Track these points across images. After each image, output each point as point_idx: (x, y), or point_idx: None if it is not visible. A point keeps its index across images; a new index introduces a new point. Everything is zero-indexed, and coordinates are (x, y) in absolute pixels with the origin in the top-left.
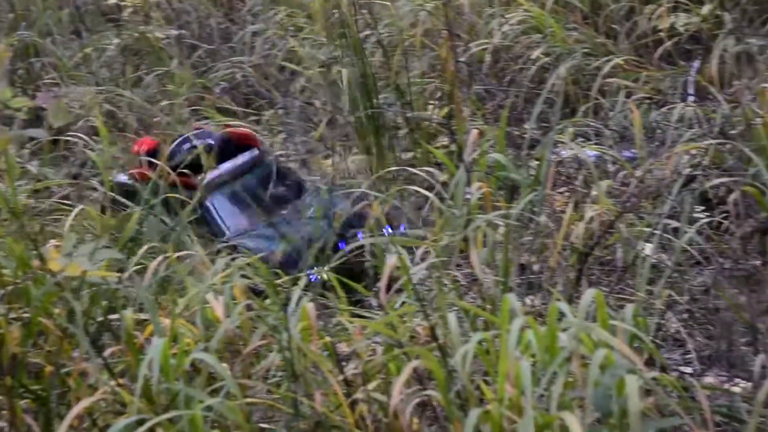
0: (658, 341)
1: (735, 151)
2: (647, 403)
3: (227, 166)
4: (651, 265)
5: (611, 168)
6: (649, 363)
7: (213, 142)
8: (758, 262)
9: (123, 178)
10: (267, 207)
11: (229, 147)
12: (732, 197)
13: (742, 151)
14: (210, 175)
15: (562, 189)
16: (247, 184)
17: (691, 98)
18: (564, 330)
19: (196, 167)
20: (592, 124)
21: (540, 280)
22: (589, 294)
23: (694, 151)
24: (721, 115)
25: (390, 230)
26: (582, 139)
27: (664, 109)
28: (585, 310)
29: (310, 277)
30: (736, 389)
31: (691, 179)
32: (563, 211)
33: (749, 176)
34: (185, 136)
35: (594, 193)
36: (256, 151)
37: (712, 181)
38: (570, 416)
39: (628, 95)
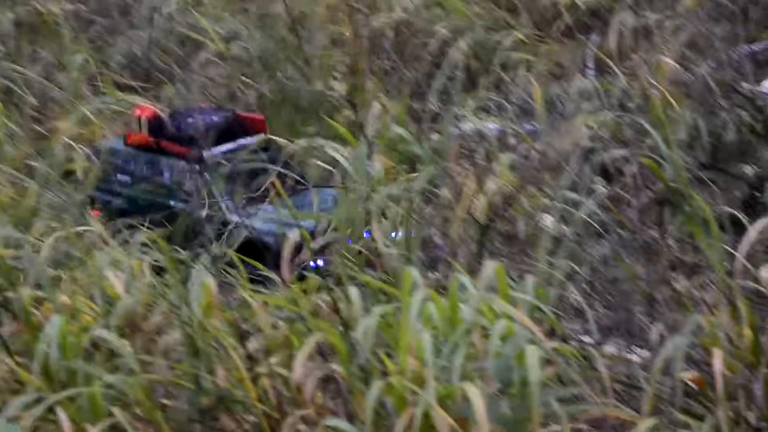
0: (558, 312)
1: (633, 123)
2: (548, 372)
3: (230, 145)
4: (552, 237)
5: (513, 141)
6: (550, 333)
7: (218, 120)
8: (655, 233)
9: (113, 143)
10: (265, 192)
11: (235, 128)
12: (629, 169)
13: (640, 123)
14: (215, 151)
15: (464, 162)
16: (247, 167)
17: (590, 72)
18: (465, 302)
19: (194, 141)
20: (493, 98)
21: (442, 253)
22: (489, 266)
23: (593, 124)
24: (619, 88)
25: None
26: (484, 113)
27: (564, 83)
28: (486, 282)
29: (312, 264)
30: (635, 358)
31: (590, 152)
32: (465, 185)
33: (646, 148)
34: (188, 109)
35: (495, 166)
36: (262, 136)
37: (611, 153)
38: (471, 387)
39: (529, 69)
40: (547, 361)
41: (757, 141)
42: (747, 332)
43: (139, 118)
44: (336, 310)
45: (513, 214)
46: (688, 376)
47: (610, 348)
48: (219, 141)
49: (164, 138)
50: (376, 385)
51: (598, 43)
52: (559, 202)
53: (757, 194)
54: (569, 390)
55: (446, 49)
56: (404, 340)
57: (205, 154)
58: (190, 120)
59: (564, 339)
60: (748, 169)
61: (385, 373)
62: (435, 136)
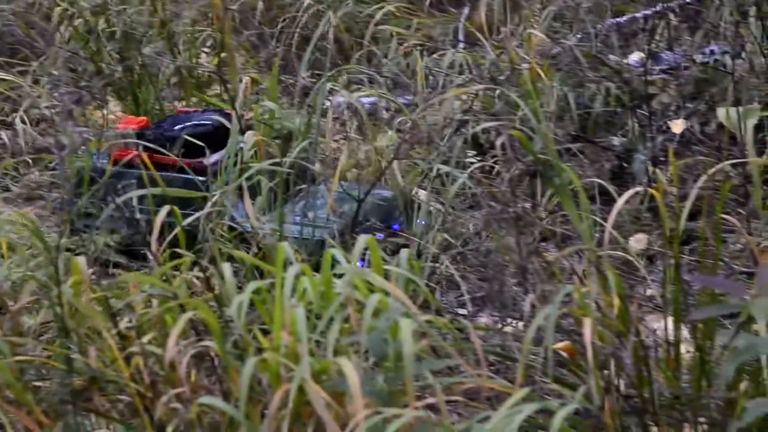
0: (432, 284)
1: (503, 96)
2: (422, 345)
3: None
4: (426, 210)
5: (386, 115)
6: (424, 306)
7: (211, 123)
8: (526, 205)
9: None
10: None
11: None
12: (500, 141)
13: (510, 96)
14: (213, 158)
15: (337, 136)
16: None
17: (461, 45)
18: (339, 276)
19: (190, 150)
20: (365, 71)
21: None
22: (362, 240)
23: (464, 97)
24: (489, 61)
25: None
26: (356, 86)
27: (435, 56)
28: (359, 256)
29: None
30: (508, 329)
31: (462, 124)
32: (338, 158)
33: (517, 120)
34: (175, 114)
35: (369, 138)
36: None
37: (482, 125)
38: (345, 361)
39: (401, 42)
40: (421, 334)
41: (624, 112)
42: (616, 301)
43: (124, 132)
44: (210, 288)
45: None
46: (561, 345)
47: (484, 319)
48: (218, 147)
49: (152, 151)
50: (250, 362)
51: (467, 16)
52: (432, 175)
53: (625, 165)
54: (443, 362)
55: (317, 23)
56: (278, 315)
57: (205, 163)
58: (177, 127)
59: (438, 311)
60: (616, 140)
61: (260, 350)
62: (307, 111)
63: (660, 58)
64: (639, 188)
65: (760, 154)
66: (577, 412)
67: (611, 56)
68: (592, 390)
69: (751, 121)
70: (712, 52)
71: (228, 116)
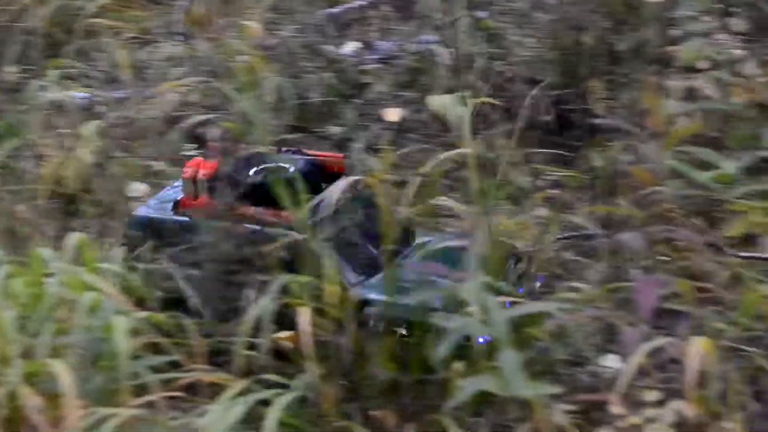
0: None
1: (220, 88)
2: (139, 342)
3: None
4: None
5: (100, 109)
6: (140, 303)
7: (294, 168)
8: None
9: (146, 210)
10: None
11: (316, 174)
12: (212, 133)
13: (225, 88)
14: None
15: (49, 133)
16: (352, 222)
17: (178, 38)
18: (52, 276)
19: (265, 196)
20: (78, 66)
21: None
22: (72, 238)
23: (181, 90)
24: (206, 53)
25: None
26: (70, 81)
27: (151, 49)
28: (71, 254)
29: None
30: (233, 324)
31: (179, 118)
32: (50, 156)
33: (237, 112)
34: (250, 155)
35: (83, 134)
36: (348, 180)
37: (197, 118)
38: (57, 362)
39: (116, 35)
40: (138, 332)
41: (341, 102)
42: (334, 289)
43: (194, 178)
44: None
45: (101, 183)
46: (285, 335)
47: (207, 314)
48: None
49: (225, 199)
50: None
51: (186, 8)
52: (146, 170)
53: (344, 153)
54: (161, 358)
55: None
56: None
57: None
58: (251, 172)
59: (152, 309)
60: (334, 129)
61: None
62: (18, 107)
63: (375, 47)
64: (356, 176)
65: (469, 139)
66: (302, 400)
67: (327, 47)
68: (312, 378)
69: (462, 109)
70: (424, 42)
71: (308, 160)
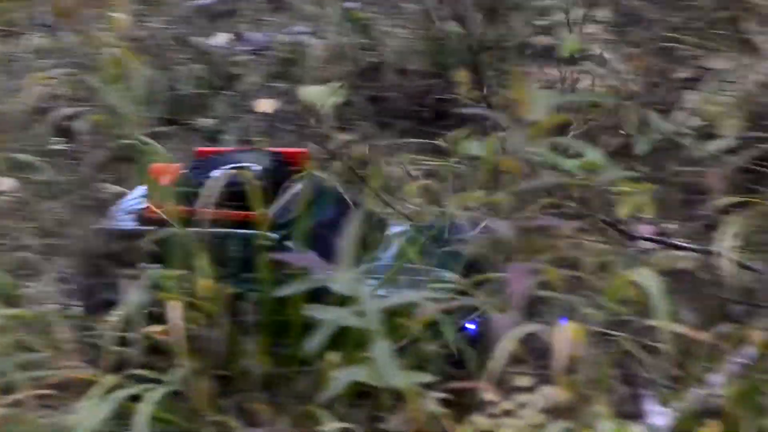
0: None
1: (88, 81)
2: (6, 339)
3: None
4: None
5: None
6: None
7: (260, 168)
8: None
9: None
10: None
11: (280, 171)
12: (79, 126)
13: (94, 81)
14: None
15: None
16: (321, 218)
17: (45, 29)
18: None
19: (235, 198)
20: None
21: None
22: None
23: (48, 83)
24: (74, 45)
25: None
26: None
27: (17, 41)
28: None
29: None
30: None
31: (46, 110)
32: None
33: (106, 105)
34: (217, 157)
35: None
36: (312, 175)
37: (66, 111)
38: None
39: None
40: (4, 329)
41: (212, 94)
42: (206, 283)
43: (157, 185)
44: None
45: None
46: (155, 330)
47: (77, 310)
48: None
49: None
50: None
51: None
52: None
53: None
54: (31, 356)
55: None
56: None
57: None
58: (216, 173)
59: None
60: (206, 122)
61: None
62: None
63: (246, 39)
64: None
65: (341, 130)
66: (175, 395)
67: (197, 38)
68: (184, 372)
69: (334, 99)
70: (295, 33)
71: (274, 158)
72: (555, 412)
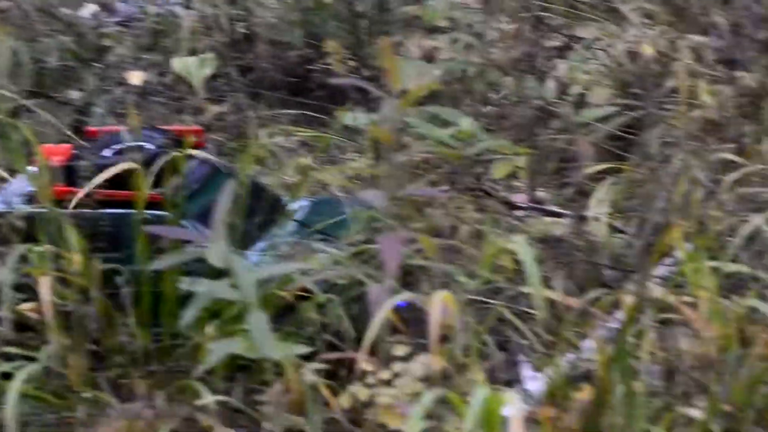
0: None
1: None
2: None
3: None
4: None
5: None
6: None
7: (154, 146)
8: None
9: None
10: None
11: (173, 148)
12: None
13: None
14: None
15: None
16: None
17: None
18: None
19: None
20: None
21: None
22: None
23: None
24: None
25: None
26: None
27: None
28: None
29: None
30: None
31: None
32: None
33: None
34: (108, 136)
35: None
36: (209, 156)
37: None
38: None
39: None
40: None
41: (80, 66)
42: (77, 258)
43: (47, 166)
44: None
45: None
46: (26, 307)
47: None
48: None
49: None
50: None
51: None
52: None
53: (84, 118)
54: None
55: None
56: None
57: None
58: (109, 153)
59: None
60: (74, 94)
61: None
62: None
63: (114, 10)
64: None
65: (214, 101)
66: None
67: (63, 9)
68: (56, 349)
69: (206, 71)
70: (165, 3)
71: (165, 134)
72: (431, 380)
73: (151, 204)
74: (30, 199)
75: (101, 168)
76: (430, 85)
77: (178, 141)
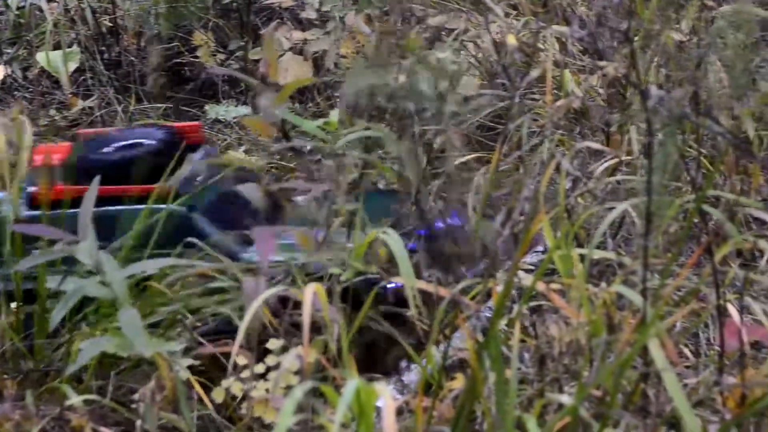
0: None
1: None
2: None
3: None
4: None
5: None
6: None
7: (155, 143)
8: None
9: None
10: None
11: (174, 146)
12: None
13: None
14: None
15: None
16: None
17: None
18: None
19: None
20: None
21: None
22: None
23: None
24: None
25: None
26: None
27: None
28: None
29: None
30: None
31: None
32: None
33: None
34: (106, 135)
35: None
36: (209, 149)
37: None
38: None
39: None
40: None
41: None
42: None
43: (45, 166)
44: None
45: None
46: None
47: None
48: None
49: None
50: None
51: None
52: None
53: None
54: None
55: None
56: None
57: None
58: (108, 150)
59: None
60: None
61: None
62: None
63: None
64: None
65: (81, 96)
66: None
67: None
68: None
69: (71, 65)
70: None
71: (167, 132)
72: (305, 373)
73: (157, 198)
74: (29, 199)
75: (104, 165)
76: (306, 78)
77: (177, 137)
